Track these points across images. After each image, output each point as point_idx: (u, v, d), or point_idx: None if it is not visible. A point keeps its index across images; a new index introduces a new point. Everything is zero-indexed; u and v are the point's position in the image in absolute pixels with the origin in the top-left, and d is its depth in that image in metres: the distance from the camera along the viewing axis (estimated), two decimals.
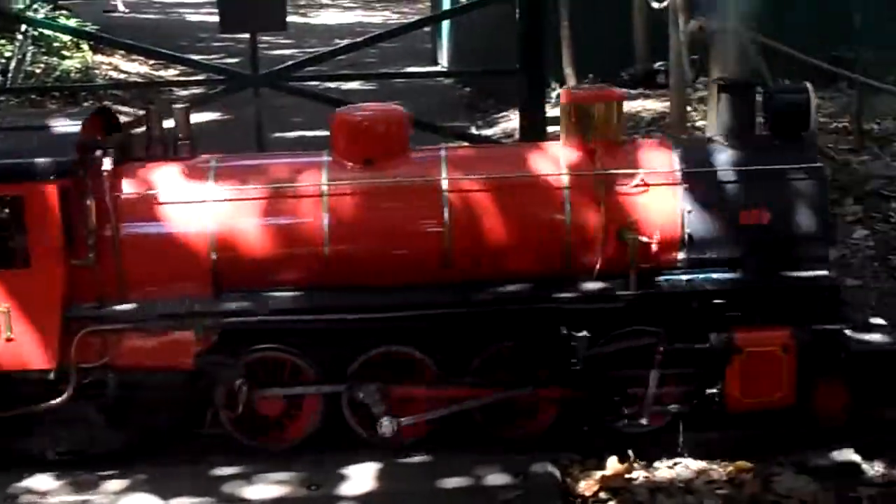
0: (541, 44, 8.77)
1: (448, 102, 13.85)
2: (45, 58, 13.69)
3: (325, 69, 11.61)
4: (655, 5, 10.56)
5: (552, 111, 10.68)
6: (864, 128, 10.37)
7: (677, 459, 5.28)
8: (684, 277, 5.29)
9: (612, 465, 5.18)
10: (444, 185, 5.24)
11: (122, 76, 15.66)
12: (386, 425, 5.19)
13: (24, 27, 12.84)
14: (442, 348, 5.32)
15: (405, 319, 5.14)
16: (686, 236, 5.28)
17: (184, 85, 12.61)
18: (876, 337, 5.43)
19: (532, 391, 5.31)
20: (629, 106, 12.31)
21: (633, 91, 12.81)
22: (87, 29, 14.00)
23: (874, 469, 5.22)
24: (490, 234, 5.23)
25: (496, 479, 5.03)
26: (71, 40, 14.22)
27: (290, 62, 10.12)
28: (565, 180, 5.28)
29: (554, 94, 12.91)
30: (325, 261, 5.20)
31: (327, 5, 26.78)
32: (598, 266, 5.25)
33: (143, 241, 5.20)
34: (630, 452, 5.24)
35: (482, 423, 5.40)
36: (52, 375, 5.15)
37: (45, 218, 5.08)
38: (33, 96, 12.58)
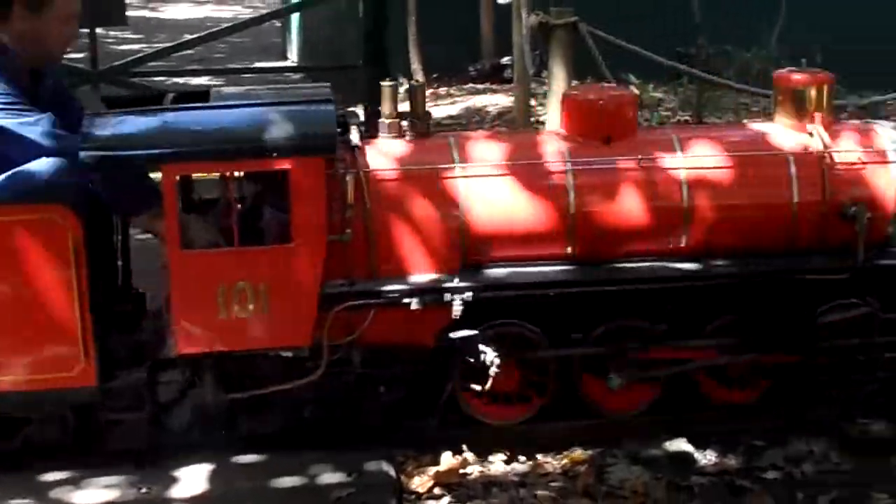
0: (381, 39, 8.78)
1: None
2: None
3: (172, 64, 11.47)
4: (501, 1, 10.63)
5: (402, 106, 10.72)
6: (706, 122, 10.58)
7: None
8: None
9: (447, 460, 5.16)
10: (681, 163, 5.33)
11: None
12: (615, 380, 5.29)
13: None
14: (670, 320, 5.40)
15: (650, 292, 5.26)
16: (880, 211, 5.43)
17: None
18: None
19: (757, 356, 5.46)
20: (476, 101, 12.40)
21: (479, 86, 12.91)
22: None
23: (706, 458, 5.28)
24: (722, 211, 5.32)
25: (330, 477, 4.95)
26: None
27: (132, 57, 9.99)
28: (791, 159, 5.39)
29: (402, 89, 12.96)
30: (572, 235, 5.24)
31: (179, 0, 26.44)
32: (819, 239, 5.41)
33: (393, 216, 5.07)
34: (464, 447, 5.23)
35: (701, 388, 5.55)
36: (306, 352, 5.02)
37: (310, 193, 4.85)
38: None
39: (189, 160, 4.81)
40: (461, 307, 5.08)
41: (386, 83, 5.39)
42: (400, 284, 5.06)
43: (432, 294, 5.06)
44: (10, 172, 4.82)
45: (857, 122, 5.84)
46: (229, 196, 4.94)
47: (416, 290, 5.06)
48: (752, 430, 5.42)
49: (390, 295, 5.04)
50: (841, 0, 14.13)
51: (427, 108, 5.47)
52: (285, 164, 4.82)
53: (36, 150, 4.87)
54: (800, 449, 5.30)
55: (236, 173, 4.94)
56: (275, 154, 4.81)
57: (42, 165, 4.84)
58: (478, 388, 5.30)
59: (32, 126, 4.92)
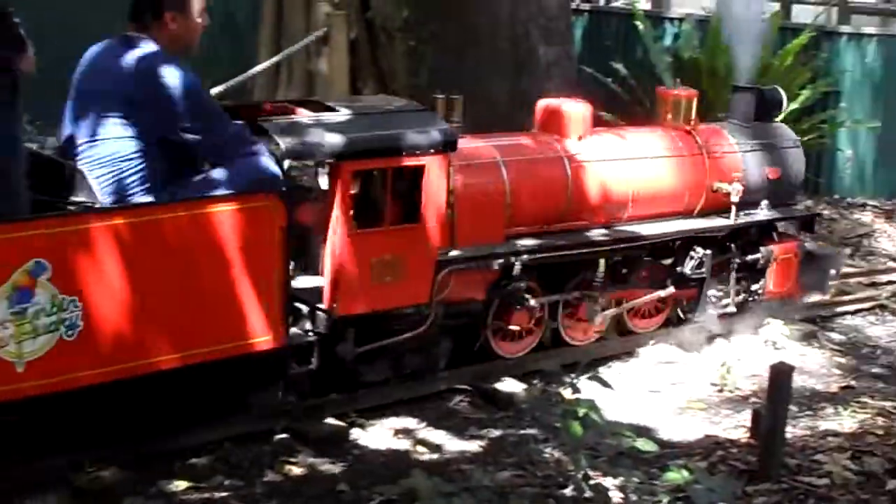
0: None
1: None
2: None
3: None
4: None
5: None
6: None
7: None
8: (742, 214, 7.73)
9: None
10: (628, 155, 7.32)
11: None
12: (599, 317, 7.20)
13: None
14: (614, 270, 7.33)
15: (605, 251, 7.19)
16: (743, 187, 7.60)
17: None
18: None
19: (674, 292, 7.57)
20: None
21: None
22: None
23: None
24: (652, 186, 7.41)
25: None
26: None
27: None
28: (685, 151, 7.50)
29: None
30: (566, 207, 7.04)
31: None
32: (700, 208, 7.65)
33: (465, 199, 6.53)
34: None
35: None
36: (425, 309, 6.35)
37: (436, 182, 6.21)
38: None
39: (360, 158, 6.00)
40: (520, 267, 6.71)
41: (439, 96, 6.83)
42: (481, 251, 6.58)
43: (504, 257, 6.64)
44: (233, 168, 5.68)
45: (710, 124, 8.11)
46: (385, 186, 6.11)
47: (497, 255, 6.63)
48: None
49: (484, 260, 6.57)
50: None
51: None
52: (421, 160, 6.16)
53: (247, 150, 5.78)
54: None
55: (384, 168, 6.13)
56: (414, 152, 6.13)
57: (263, 161, 5.75)
58: (510, 327, 6.91)
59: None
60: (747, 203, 7.80)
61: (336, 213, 5.94)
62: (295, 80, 11.18)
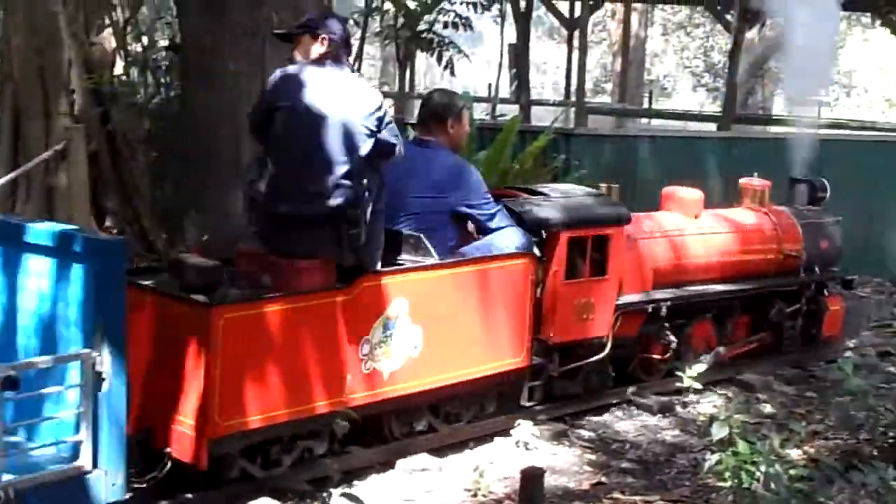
0: None
1: None
2: None
3: None
4: None
5: None
6: None
7: None
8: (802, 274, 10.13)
9: None
10: (729, 229, 9.74)
11: None
12: (721, 351, 9.35)
13: None
14: (720, 317, 9.55)
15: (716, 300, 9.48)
16: (804, 253, 10.07)
17: None
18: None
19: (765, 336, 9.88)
20: None
21: None
22: None
23: None
24: (746, 252, 9.86)
25: None
26: None
27: None
28: (763, 227, 10.10)
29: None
30: (689, 267, 9.31)
31: None
32: (773, 270, 9.97)
33: (626, 260, 8.64)
34: None
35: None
36: (605, 340, 8.43)
37: (617, 247, 8.37)
38: None
39: (574, 228, 8.25)
40: (665, 311, 9.02)
41: (604, 184, 9.20)
42: (641, 298, 8.89)
43: (654, 302, 8.94)
44: (501, 236, 7.84)
45: (778, 206, 10.53)
46: (585, 249, 8.32)
47: (651, 301, 8.94)
48: None
49: (646, 305, 8.89)
50: None
51: None
52: (608, 231, 8.46)
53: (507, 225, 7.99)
54: None
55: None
56: (604, 224, 8.44)
57: (520, 231, 7.95)
58: (651, 356, 9.19)
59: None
60: (806, 267, 10.24)
61: (553, 268, 8.15)
62: (33, 194, 10.18)
